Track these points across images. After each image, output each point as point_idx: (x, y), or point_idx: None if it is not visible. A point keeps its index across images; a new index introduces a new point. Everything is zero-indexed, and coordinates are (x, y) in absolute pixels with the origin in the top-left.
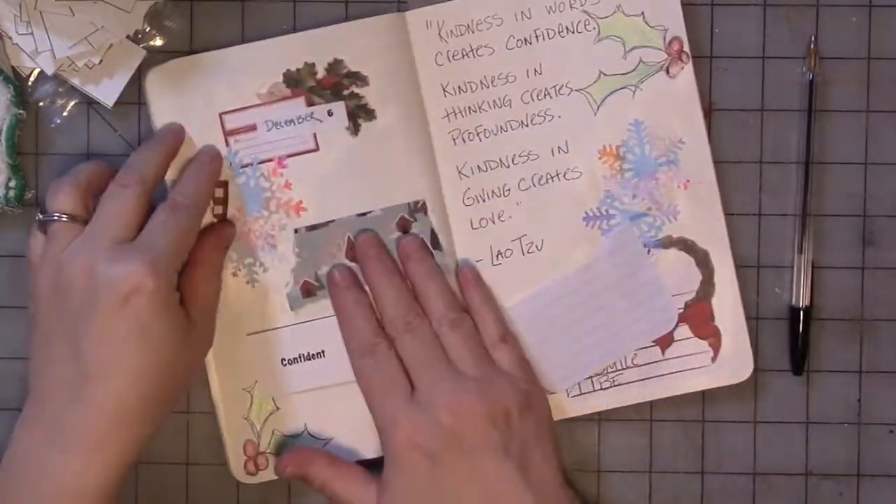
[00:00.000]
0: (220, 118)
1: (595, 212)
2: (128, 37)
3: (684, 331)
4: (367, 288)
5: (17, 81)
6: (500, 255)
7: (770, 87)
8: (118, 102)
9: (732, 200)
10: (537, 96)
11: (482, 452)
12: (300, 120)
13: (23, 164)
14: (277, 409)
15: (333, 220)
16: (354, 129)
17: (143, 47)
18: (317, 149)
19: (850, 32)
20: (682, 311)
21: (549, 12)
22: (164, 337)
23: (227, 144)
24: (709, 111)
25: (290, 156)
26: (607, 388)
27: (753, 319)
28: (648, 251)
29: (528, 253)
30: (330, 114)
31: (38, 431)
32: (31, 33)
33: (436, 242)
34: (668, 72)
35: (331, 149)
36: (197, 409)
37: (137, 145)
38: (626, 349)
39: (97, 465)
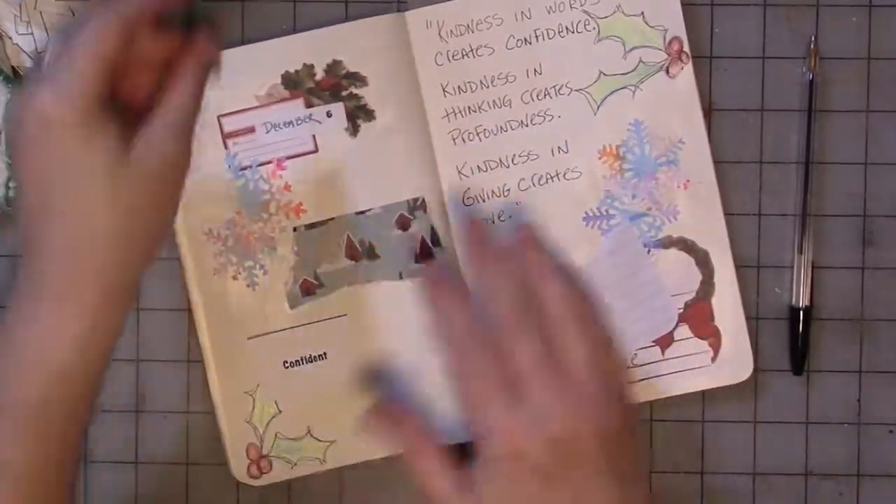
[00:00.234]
0: (219, 121)
1: (595, 212)
2: None
3: (684, 331)
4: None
5: (17, 81)
6: None
7: (770, 87)
8: None
9: (732, 200)
10: (537, 96)
11: (589, 474)
12: (299, 121)
13: None
14: (280, 411)
15: (333, 219)
16: (353, 129)
17: None
18: (316, 150)
19: (850, 32)
20: (681, 311)
21: (549, 12)
22: (89, 164)
23: (226, 147)
24: (709, 111)
25: (289, 158)
26: None
27: (753, 319)
28: (648, 251)
29: None
30: (329, 115)
31: (15, 293)
32: (31, 33)
33: (436, 240)
34: (667, 72)
35: (330, 150)
36: (197, 409)
37: None
38: (625, 349)
39: (71, 317)
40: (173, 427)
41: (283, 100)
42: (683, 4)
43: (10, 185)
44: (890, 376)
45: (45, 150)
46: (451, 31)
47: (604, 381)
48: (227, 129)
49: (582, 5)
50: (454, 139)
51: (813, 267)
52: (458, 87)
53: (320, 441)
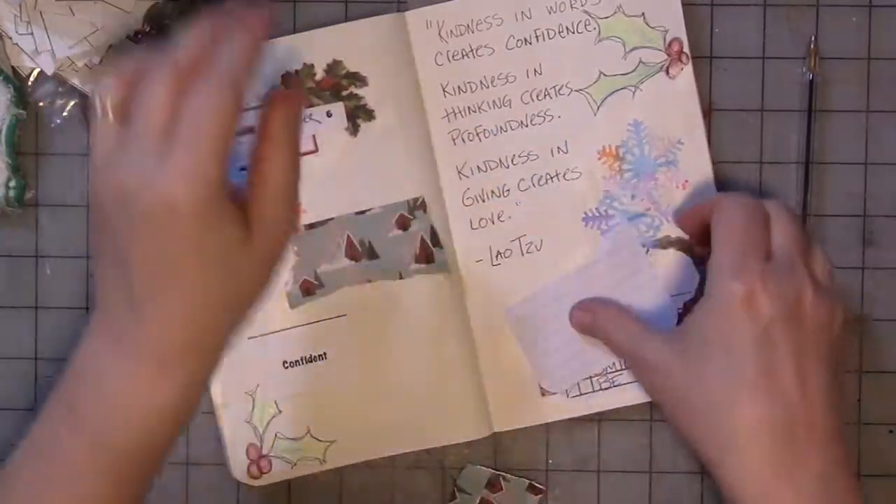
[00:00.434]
0: None
1: (594, 212)
2: (128, 37)
3: None
4: None
5: (17, 81)
6: (499, 256)
7: (770, 88)
8: None
9: None
10: (537, 96)
11: (812, 344)
12: None
13: (23, 164)
14: (280, 411)
15: (332, 218)
16: (353, 129)
17: (143, 47)
18: (316, 150)
19: (850, 32)
20: (681, 311)
21: (549, 12)
22: (213, 249)
23: None
24: (708, 111)
25: None
26: (607, 388)
27: None
28: (647, 251)
29: (528, 253)
30: (329, 115)
31: (106, 342)
32: (31, 33)
33: (436, 240)
34: (667, 72)
35: (330, 150)
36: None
37: None
38: None
39: (168, 380)
40: None
41: None
42: (683, 5)
43: (11, 185)
44: (890, 376)
45: (168, 232)
46: (452, 31)
47: (835, 289)
48: None
49: (582, 6)
50: (454, 139)
51: None
52: (458, 87)
53: (320, 441)
